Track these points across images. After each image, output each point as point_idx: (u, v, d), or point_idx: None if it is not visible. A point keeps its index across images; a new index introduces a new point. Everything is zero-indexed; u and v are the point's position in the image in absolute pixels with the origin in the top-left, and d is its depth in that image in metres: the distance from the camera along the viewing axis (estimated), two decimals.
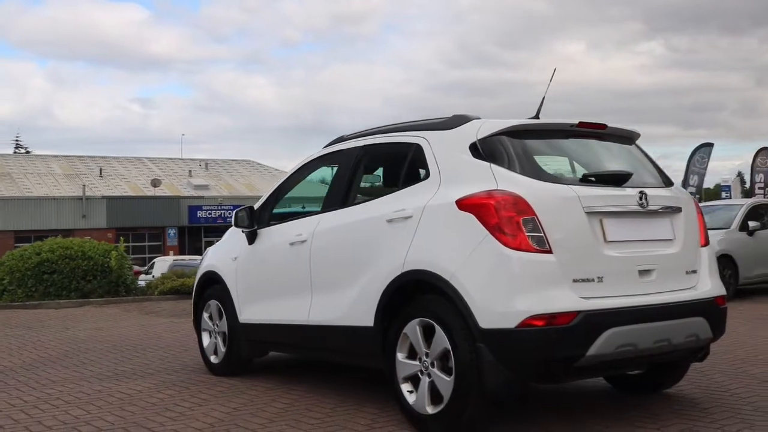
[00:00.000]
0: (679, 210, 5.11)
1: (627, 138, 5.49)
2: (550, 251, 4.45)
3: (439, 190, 4.90)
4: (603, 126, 5.21)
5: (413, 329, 4.84)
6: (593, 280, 4.55)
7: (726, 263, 13.21)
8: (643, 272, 4.78)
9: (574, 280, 4.48)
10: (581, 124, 5.09)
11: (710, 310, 4.99)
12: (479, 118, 5.08)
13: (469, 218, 4.56)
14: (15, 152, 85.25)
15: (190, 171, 59.21)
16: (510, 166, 4.72)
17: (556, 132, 5.16)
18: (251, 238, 6.65)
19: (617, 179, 4.96)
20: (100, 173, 55.96)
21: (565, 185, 4.71)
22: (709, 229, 13.78)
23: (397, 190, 5.32)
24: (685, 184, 24.56)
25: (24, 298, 16.04)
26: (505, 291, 4.40)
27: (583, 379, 5.59)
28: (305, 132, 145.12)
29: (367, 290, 5.19)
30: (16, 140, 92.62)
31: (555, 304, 4.37)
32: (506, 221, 4.45)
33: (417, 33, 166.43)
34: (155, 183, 52.01)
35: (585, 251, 4.57)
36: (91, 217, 48.64)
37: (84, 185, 50.36)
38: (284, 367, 7.37)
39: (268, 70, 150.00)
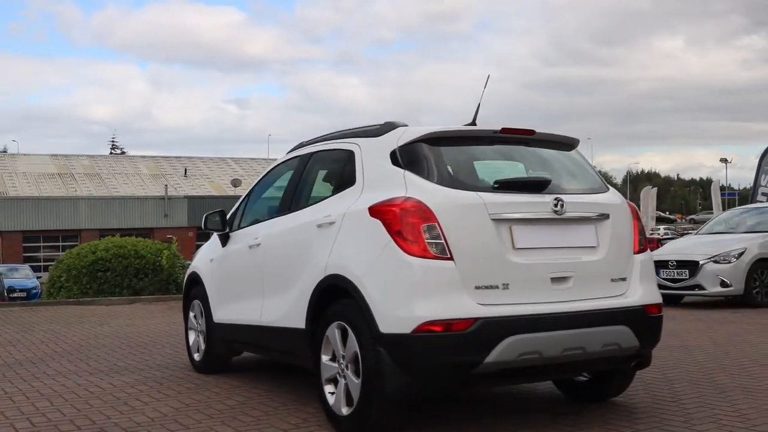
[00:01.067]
0: (605, 217, 5.02)
1: (562, 144, 5.44)
2: (450, 258, 4.48)
3: (361, 196, 4.99)
4: (530, 132, 5.19)
5: (332, 332, 4.95)
6: (498, 287, 4.55)
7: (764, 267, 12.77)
8: (557, 279, 4.73)
9: (477, 287, 4.50)
10: (504, 130, 5.08)
11: (636, 319, 4.90)
12: (406, 126, 5.13)
13: (377, 225, 4.64)
14: (111, 153, 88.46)
15: None
16: (422, 174, 4.77)
17: (479, 139, 5.15)
18: (224, 240, 6.87)
19: (533, 185, 4.92)
20: (185, 173, 57.66)
21: (473, 192, 4.69)
22: (756, 232, 13.71)
23: (330, 196, 5.44)
24: (756, 184, 23.65)
25: (79, 294, 16.76)
26: (403, 296, 4.47)
27: (498, 386, 5.58)
28: None
29: (299, 293, 5.33)
30: (113, 141, 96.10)
31: (452, 310, 4.40)
32: (408, 228, 4.51)
33: (511, 30, 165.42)
34: (236, 183, 53.21)
35: (489, 258, 4.57)
36: (173, 216, 50.12)
37: (166, 185, 51.91)
38: (268, 367, 7.54)
39: (361, 70, 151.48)
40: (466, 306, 4.43)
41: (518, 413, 5.43)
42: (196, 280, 7.40)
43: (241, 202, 6.91)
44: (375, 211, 4.70)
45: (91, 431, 5.10)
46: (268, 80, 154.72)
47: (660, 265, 12.99)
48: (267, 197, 6.52)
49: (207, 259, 7.25)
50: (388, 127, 5.19)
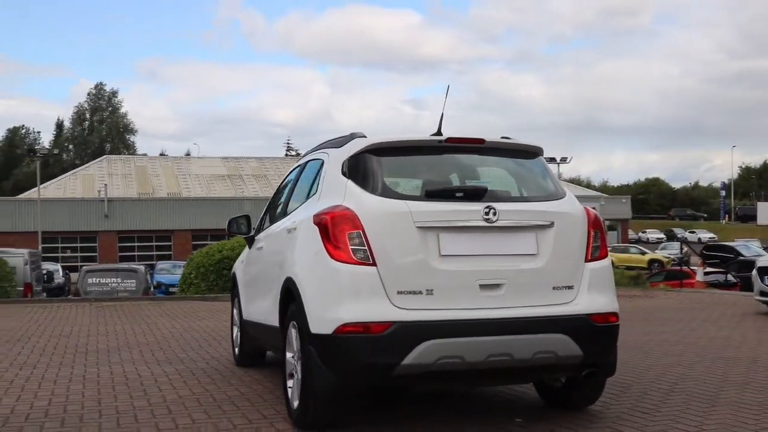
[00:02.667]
0: (548, 225, 5.04)
1: (522, 152, 5.51)
2: (373, 264, 4.71)
3: (317, 204, 5.30)
4: (479, 141, 5.30)
5: (290, 331, 5.30)
6: (421, 293, 4.73)
7: None
8: (486, 286, 4.82)
9: (399, 292, 4.70)
10: (449, 139, 5.23)
11: (577, 327, 4.90)
12: (364, 137, 5.39)
13: (316, 232, 4.94)
14: (286, 155, 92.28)
15: None
16: (360, 183, 5.02)
17: (425, 148, 5.31)
18: (250, 243, 7.36)
19: (467, 194, 5.02)
20: None
21: (401, 201, 4.87)
22: None
23: (303, 203, 5.78)
24: None
25: (206, 291, 17.90)
26: (329, 299, 4.76)
27: (431, 389, 5.62)
28: (574, 130, 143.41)
29: (275, 294, 5.71)
30: (288, 143, 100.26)
31: (370, 313, 4.64)
32: (336, 235, 4.79)
33: (694, 23, 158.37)
34: None
35: (413, 264, 4.75)
36: None
37: None
38: None
39: (537, 68, 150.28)
40: (385, 310, 4.65)
41: (482, 414, 5.56)
42: (234, 280, 7.96)
43: (266, 206, 7.38)
44: (315, 218, 5.01)
45: (92, 412, 5.69)
46: (443, 80, 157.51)
47: (764, 272, 12.47)
48: (278, 202, 6.94)
49: (240, 260, 7.79)
50: (348, 138, 5.47)
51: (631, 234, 73.10)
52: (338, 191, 5.09)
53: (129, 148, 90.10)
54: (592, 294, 5.08)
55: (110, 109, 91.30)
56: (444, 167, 5.40)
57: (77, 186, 53.79)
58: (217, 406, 5.86)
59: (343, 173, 5.18)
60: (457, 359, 4.68)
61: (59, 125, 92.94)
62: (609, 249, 5.59)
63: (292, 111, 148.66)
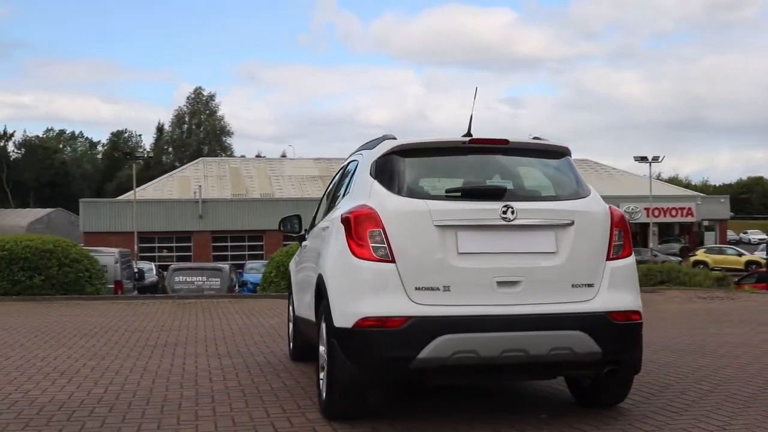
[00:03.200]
0: (569, 224, 5.12)
1: (546, 152, 5.59)
2: (392, 261, 4.89)
3: (347, 204, 5.51)
4: (504, 141, 5.41)
5: (321, 326, 5.52)
6: (438, 289, 4.88)
7: None
8: (504, 283, 4.94)
9: (417, 288, 4.87)
10: (473, 140, 5.37)
11: (595, 325, 4.96)
12: (394, 139, 5.57)
13: (341, 230, 5.15)
14: None
15: None
16: (384, 183, 5.22)
17: (449, 149, 5.46)
18: (300, 241, 7.63)
19: (486, 193, 5.14)
20: None
21: (421, 200, 5.04)
22: None
23: (339, 203, 6.00)
24: None
25: (285, 289, 18.35)
26: (349, 295, 4.97)
27: (450, 382, 5.69)
28: (676, 127, 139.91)
29: (312, 290, 5.95)
30: None
31: (387, 308, 4.82)
32: (359, 233, 5.00)
33: None
34: None
35: (431, 262, 4.91)
36: None
37: None
38: None
39: (638, 65, 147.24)
40: (402, 305, 4.83)
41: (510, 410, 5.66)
42: (288, 277, 8.27)
43: (318, 205, 7.63)
44: (341, 217, 5.22)
45: (141, 400, 6.04)
46: (541, 79, 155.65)
47: None
48: (324, 202, 7.17)
49: (293, 258, 8.08)
50: (380, 140, 5.67)
51: (732, 235, 70.89)
52: (365, 191, 5.29)
53: (225, 150, 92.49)
54: (613, 292, 5.13)
55: (207, 112, 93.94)
56: (468, 167, 5.53)
57: (174, 187, 55.63)
58: (258, 397, 6.14)
59: (371, 174, 5.38)
60: (472, 354, 4.81)
61: (159, 129, 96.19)
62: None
63: (388, 112, 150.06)
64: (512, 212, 5.01)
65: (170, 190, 55.12)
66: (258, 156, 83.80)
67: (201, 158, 66.03)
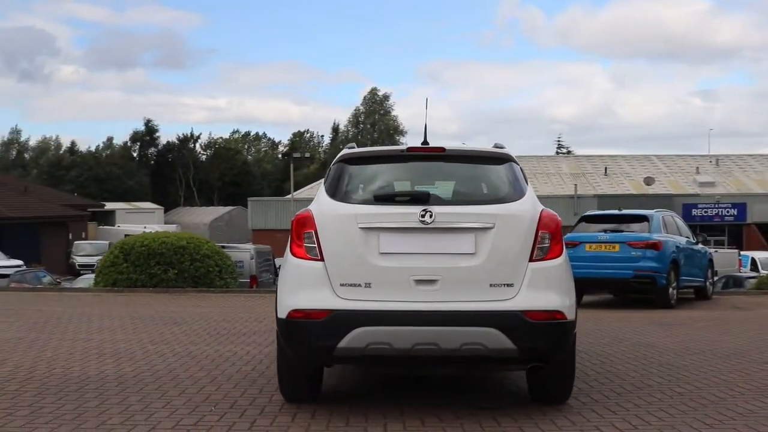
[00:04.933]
0: (489, 227, 5.46)
1: (486, 158, 5.97)
2: (321, 259, 5.46)
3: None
4: (440, 149, 5.85)
5: None
6: (360, 285, 5.40)
7: None
8: (421, 281, 5.37)
9: (342, 284, 5.41)
10: (410, 149, 5.84)
11: (509, 322, 5.28)
12: (352, 148, 6.13)
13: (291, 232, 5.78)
14: (557, 152, 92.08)
15: (697, 168, 58.23)
16: (327, 189, 5.81)
17: (390, 157, 5.96)
18: None
19: (411, 198, 5.56)
20: (605, 172, 58.30)
21: (350, 205, 5.58)
22: None
23: None
24: None
25: None
26: (287, 289, 5.60)
27: (371, 370, 6.35)
28: None
29: None
30: (558, 141, 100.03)
31: (313, 302, 5.40)
32: (298, 234, 5.62)
33: None
34: (648, 181, 52.57)
35: (355, 261, 5.43)
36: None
37: (576, 184, 53.13)
38: None
39: None
40: (326, 299, 5.39)
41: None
42: None
43: None
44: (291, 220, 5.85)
45: (173, 379, 6.90)
46: (736, 69, 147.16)
47: None
48: None
49: None
50: (343, 149, 6.21)
51: None
52: (317, 196, 5.88)
53: None
54: (533, 292, 5.41)
55: (382, 112, 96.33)
56: (404, 174, 6.00)
57: None
58: (267, 381, 6.81)
59: (324, 180, 5.97)
60: (385, 345, 5.29)
61: (335, 129, 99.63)
62: None
63: (572, 107, 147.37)
64: (430, 216, 5.43)
65: None
66: None
67: None
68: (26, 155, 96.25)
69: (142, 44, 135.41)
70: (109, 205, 60.24)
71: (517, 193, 5.76)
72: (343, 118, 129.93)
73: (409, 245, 5.47)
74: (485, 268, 5.42)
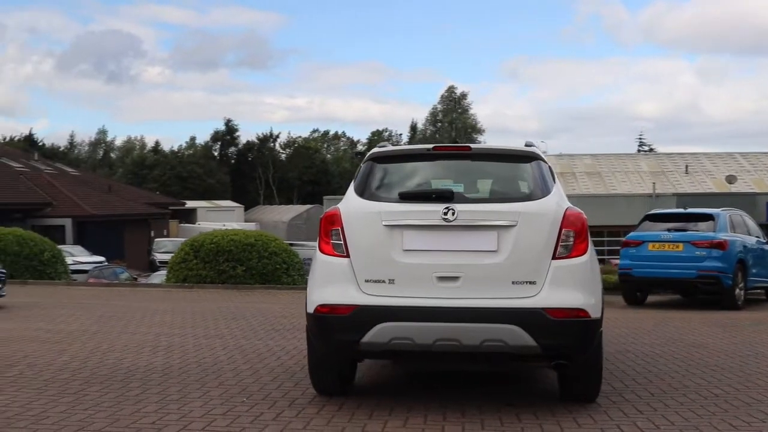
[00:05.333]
0: (512, 224, 5.48)
1: (512, 157, 5.99)
2: (347, 256, 5.59)
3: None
4: (466, 148, 5.91)
5: None
6: (384, 282, 5.51)
7: None
8: (444, 278, 5.45)
9: (366, 280, 5.53)
10: (436, 147, 5.91)
11: (530, 320, 5.31)
12: (383, 146, 6.24)
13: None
14: (638, 150, 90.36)
15: None
16: (355, 187, 5.93)
17: (416, 156, 6.06)
18: None
19: (434, 196, 5.65)
20: (686, 170, 56.98)
21: (375, 202, 5.69)
22: None
23: None
24: None
25: None
26: (314, 284, 5.75)
27: (404, 366, 6.49)
28: None
29: None
30: (640, 138, 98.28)
31: (338, 297, 5.54)
32: (325, 231, 5.76)
33: None
34: (730, 180, 51.12)
35: (379, 257, 5.54)
36: None
37: (654, 182, 52.06)
38: None
39: None
40: (351, 294, 5.52)
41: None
42: None
43: None
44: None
45: (214, 371, 7.17)
46: None
47: None
48: None
49: None
50: (376, 146, 6.33)
51: None
52: (346, 194, 6.01)
53: None
54: (555, 289, 5.42)
55: (459, 110, 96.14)
56: (430, 172, 6.08)
57: None
58: (305, 375, 6.91)
59: (354, 179, 6.10)
60: (408, 341, 5.39)
61: (413, 127, 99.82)
62: None
63: (656, 104, 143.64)
64: (453, 213, 5.50)
65: None
66: None
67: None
68: (112, 155, 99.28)
69: (225, 45, 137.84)
70: (190, 204, 61.60)
71: (541, 191, 5.77)
72: (422, 117, 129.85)
73: (431, 242, 5.56)
74: (507, 266, 5.46)
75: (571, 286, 5.48)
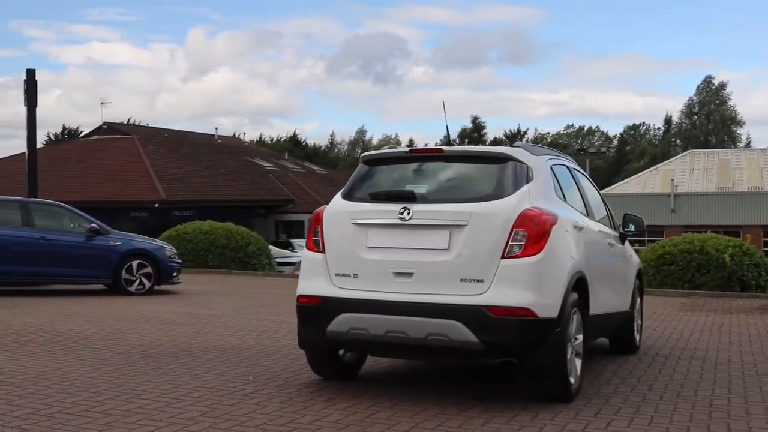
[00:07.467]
0: (463, 224, 5.75)
1: (478, 158, 6.28)
2: (323, 251, 6.19)
3: None
4: (439, 150, 6.28)
5: None
6: (350, 276, 6.05)
7: None
8: (400, 274, 5.86)
9: (336, 274, 6.11)
10: (413, 150, 6.38)
11: (471, 317, 5.56)
12: (393, 148, 6.79)
13: None
14: None
15: None
16: (344, 188, 6.53)
17: (400, 158, 6.51)
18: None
19: (398, 197, 6.07)
20: None
21: (348, 202, 6.23)
22: None
23: None
24: None
25: (645, 285, 18.44)
26: (300, 277, 6.42)
27: (373, 355, 6.80)
28: None
29: None
30: None
31: (312, 289, 6.18)
32: (310, 229, 6.40)
33: None
34: None
35: (347, 253, 6.09)
36: None
37: None
38: None
39: None
40: (321, 287, 6.14)
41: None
42: None
43: None
44: None
45: (258, 354, 8.01)
46: None
47: None
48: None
49: None
50: (385, 147, 6.86)
51: None
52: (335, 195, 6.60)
53: (735, 141, 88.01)
54: (501, 288, 5.61)
55: (717, 101, 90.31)
56: (403, 174, 6.49)
57: (656, 181, 55.60)
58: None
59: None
60: (363, 331, 5.90)
61: (667, 121, 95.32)
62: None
63: None
64: (408, 213, 5.90)
65: (652, 184, 55.24)
66: (747, 146, 78.82)
67: (690, 151, 64.48)
68: None
69: (488, 42, 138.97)
70: None
71: (502, 192, 5.93)
72: (671, 109, 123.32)
73: (390, 240, 6.00)
74: (457, 264, 5.74)
75: (519, 285, 5.62)
